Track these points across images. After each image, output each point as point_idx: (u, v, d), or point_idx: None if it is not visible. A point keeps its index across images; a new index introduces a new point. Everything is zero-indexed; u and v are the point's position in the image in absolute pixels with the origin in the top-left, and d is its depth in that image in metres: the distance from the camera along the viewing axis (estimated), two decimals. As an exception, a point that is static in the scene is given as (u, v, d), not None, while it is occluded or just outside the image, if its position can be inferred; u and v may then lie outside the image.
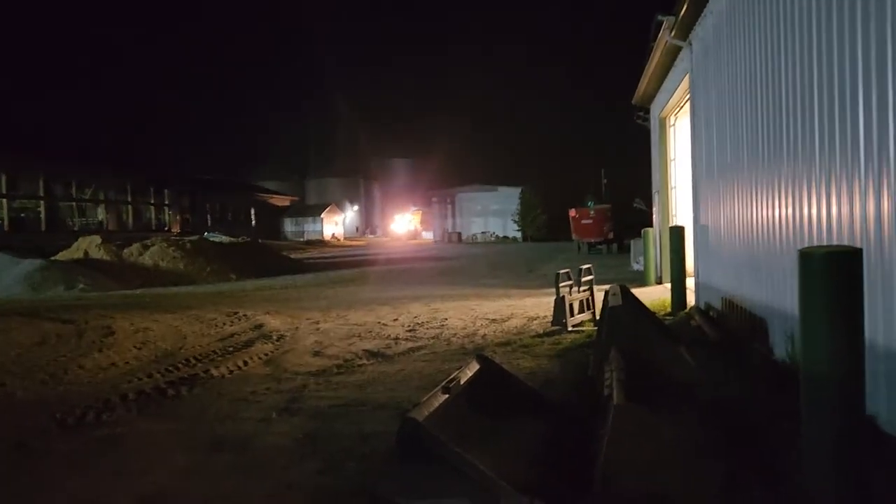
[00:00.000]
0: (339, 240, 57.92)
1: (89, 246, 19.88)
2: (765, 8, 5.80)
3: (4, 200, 32.00)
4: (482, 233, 55.21)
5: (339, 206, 66.39)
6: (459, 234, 55.64)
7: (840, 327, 2.64)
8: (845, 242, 4.13)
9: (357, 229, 70.73)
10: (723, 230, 7.75)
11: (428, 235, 61.60)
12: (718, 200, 7.95)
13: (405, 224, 64.73)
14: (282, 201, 62.44)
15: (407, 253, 33.97)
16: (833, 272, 2.67)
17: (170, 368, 6.31)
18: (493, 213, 55.57)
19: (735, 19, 6.89)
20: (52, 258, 18.85)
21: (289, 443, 4.03)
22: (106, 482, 3.50)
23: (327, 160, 76.55)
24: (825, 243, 4.45)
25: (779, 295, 5.50)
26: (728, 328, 7.23)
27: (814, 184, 4.69)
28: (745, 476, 3.12)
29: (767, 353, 5.79)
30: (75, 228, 34.75)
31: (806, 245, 4.75)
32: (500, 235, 53.66)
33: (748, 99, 6.43)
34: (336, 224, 63.31)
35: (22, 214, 34.24)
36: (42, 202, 33.87)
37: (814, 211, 4.71)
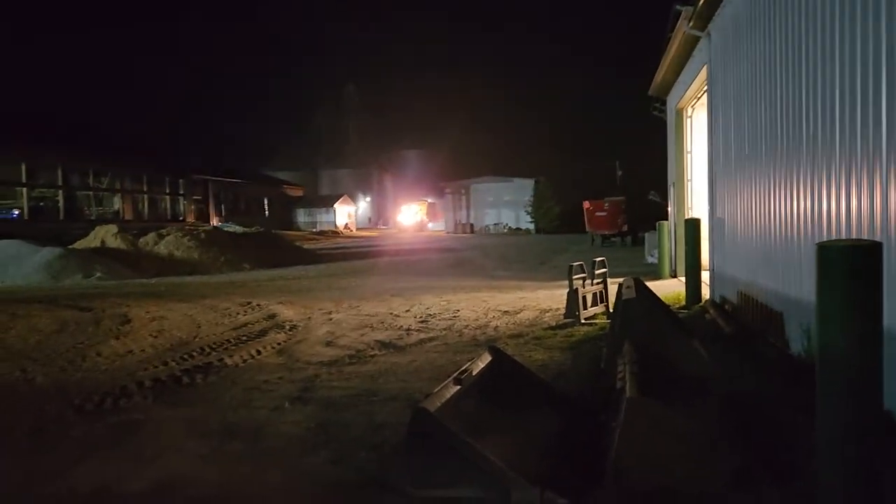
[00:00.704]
0: (351, 230, 58.06)
1: (106, 235, 20.09)
2: (785, -3, 5.71)
3: (24, 189, 32.37)
4: (494, 224, 55.07)
5: (352, 197, 66.50)
6: (472, 225, 55.53)
7: (858, 322, 2.60)
8: (864, 236, 4.08)
9: (370, 220, 70.78)
10: (739, 223, 7.68)
11: (433, 227, 60.19)
12: (735, 193, 7.87)
13: (412, 215, 62.80)
14: (295, 192, 62.65)
15: (419, 244, 34.00)
16: (851, 266, 2.63)
17: (185, 357, 6.37)
18: (506, 205, 55.38)
19: (755, 8, 6.79)
20: (70, 247, 19.07)
21: (301, 432, 4.06)
22: (122, 467, 3.55)
23: (340, 151, 76.68)
24: (844, 237, 4.40)
25: (795, 289, 5.44)
26: (743, 322, 7.18)
27: (833, 176, 4.63)
28: (758, 470, 3.10)
29: (783, 347, 5.75)
30: (92, 217, 35.10)
31: (824, 238, 4.69)
32: (513, 227, 53.48)
33: (768, 89, 6.35)
34: (349, 215, 63.42)
35: (41, 203, 34.64)
36: (60, 191, 34.24)
37: (833, 203, 4.65)
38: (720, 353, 5.49)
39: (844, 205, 4.44)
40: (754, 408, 4.08)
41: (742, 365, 5.18)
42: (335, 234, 51.14)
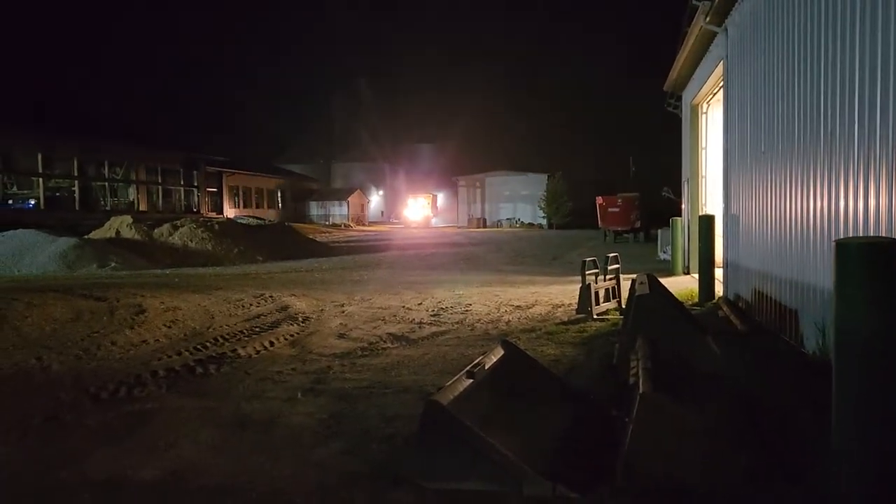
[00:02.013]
0: (363, 224, 58.08)
1: (121, 225, 20.25)
2: (805, -8, 5.65)
3: (40, 179, 32.69)
4: (507, 219, 54.93)
5: (364, 191, 66.55)
6: (484, 219, 55.38)
7: (875, 321, 2.58)
8: (882, 234, 4.03)
9: (382, 214, 70.74)
10: (754, 219, 7.62)
11: (436, 222, 57.56)
12: (750, 189, 7.80)
13: (420, 209, 56.62)
14: (308, 184, 62.83)
15: (431, 239, 34.00)
16: (869, 263, 2.60)
17: (198, 347, 6.42)
18: (520, 200, 55.20)
19: (774, 3, 6.72)
20: (86, 237, 19.23)
21: (313, 423, 4.09)
22: (135, 455, 3.59)
23: (353, 144, 76.74)
24: (861, 234, 4.35)
25: (810, 286, 5.39)
26: (757, 319, 7.14)
27: (851, 173, 4.58)
28: (769, 468, 3.08)
29: (797, 344, 5.71)
30: (107, 208, 35.40)
31: (841, 236, 4.65)
32: (525, 222, 53.31)
33: (785, 85, 6.28)
34: (361, 208, 63.40)
35: (57, 193, 34.96)
36: (76, 182, 34.54)
37: (850, 201, 4.60)
38: (733, 351, 5.46)
39: (862, 202, 4.39)
40: (767, 405, 4.06)
41: (755, 362, 5.15)
42: (347, 227, 51.23)
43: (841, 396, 2.69)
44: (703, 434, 3.10)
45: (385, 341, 6.67)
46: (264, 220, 31.73)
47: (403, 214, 57.58)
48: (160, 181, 40.67)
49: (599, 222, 31.27)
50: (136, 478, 3.30)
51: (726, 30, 9.19)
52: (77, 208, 33.61)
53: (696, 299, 9.19)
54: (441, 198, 62.23)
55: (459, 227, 53.39)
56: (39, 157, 32.12)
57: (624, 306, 7.62)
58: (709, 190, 13.18)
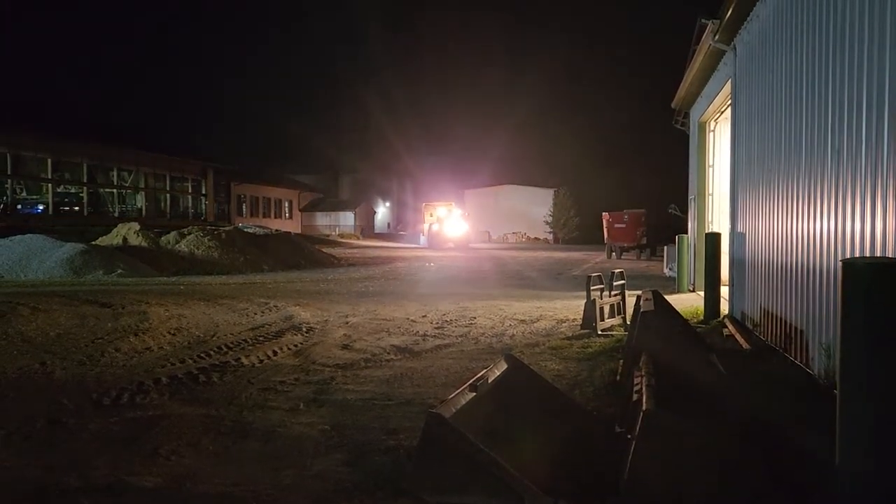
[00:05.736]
0: (369, 236, 58.11)
1: (128, 232, 20.35)
2: (814, 10, 5.67)
3: (49, 185, 32.93)
4: (513, 233, 54.95)
5: (371, 202, 66.72)
6: (489, 233, 55.37)
7: (882, 342, 2.56)
8: (889, 254, 4.02)
9: (388, 226, 70.79)
10: (761, 237, 7.60)
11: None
12: (757, 207, 7.79)
13: (456, 222, 37.91)
14: (315, 195, 63.08)
15: (436, 252, 33.98)
16: (877, 283, 2.59)
17: (202, 355, 6.42)
18: (528, 213, 55.22)
19: (783, 23, 6.74)
20: (93, 243, 19.32)
21: (315, 433, 4.08)
22: (137, 461, 3.58)
23: (361, 155, 77.06)
24: (868, 254, 4.33)
25: (817, 306, 5.36)
26: (763, 339, 7.10)
27: (858, 191, 4.57)
28: (773, 489, 3.05)
29: (803, 365, 5.67)
30: (115, 214, 35.62)
31: (848, 255, 4.63)
32: (531, 236, 53.30)
33: (794, 103, 6.29)
34: (368, 220, 63.51)
35: (65, 199, 35.21)
36: (84, 188, 34.79)
37: (857, 219, 4.59)
38: (738, 369, 5.43)
39: (869, 221, 4.37)
40: (772, 425, 4.02)
41: (760, 382, 5.12)
42: (353, 239, 51.18)
43: (846, 415, 2.67)
44: (707, 452, 3.07)
45: (388, 353, 6.66)
46: (271, 229, 31.84)
47: (431, 230, 38.16)
48: (168, 189, 40.94)
49: (605, 238, 31.23)
50: (137, 484, 3.29)
51: (735, 48, 9.22)
52: (85, 214, 33.83)
53: (702, 317, 9.15)
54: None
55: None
56: (49, 162, 32.38)
57: (629, 322, 7.60)
58: (715, 208, 13.16)
